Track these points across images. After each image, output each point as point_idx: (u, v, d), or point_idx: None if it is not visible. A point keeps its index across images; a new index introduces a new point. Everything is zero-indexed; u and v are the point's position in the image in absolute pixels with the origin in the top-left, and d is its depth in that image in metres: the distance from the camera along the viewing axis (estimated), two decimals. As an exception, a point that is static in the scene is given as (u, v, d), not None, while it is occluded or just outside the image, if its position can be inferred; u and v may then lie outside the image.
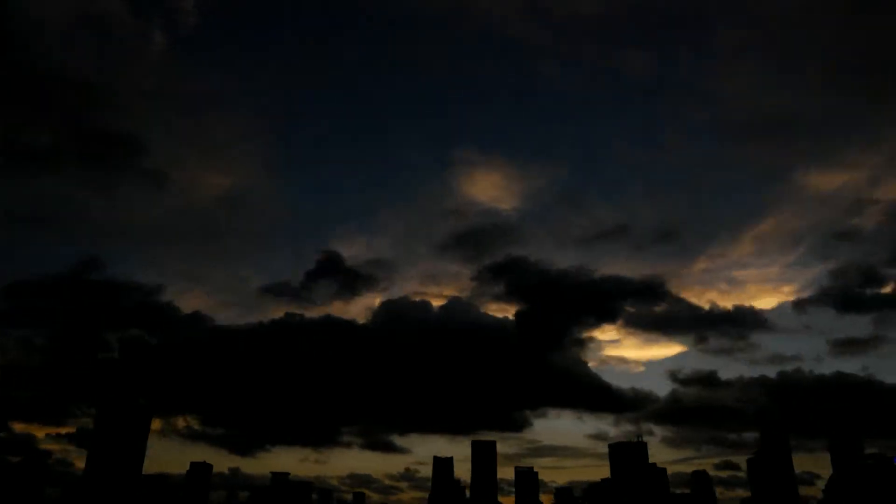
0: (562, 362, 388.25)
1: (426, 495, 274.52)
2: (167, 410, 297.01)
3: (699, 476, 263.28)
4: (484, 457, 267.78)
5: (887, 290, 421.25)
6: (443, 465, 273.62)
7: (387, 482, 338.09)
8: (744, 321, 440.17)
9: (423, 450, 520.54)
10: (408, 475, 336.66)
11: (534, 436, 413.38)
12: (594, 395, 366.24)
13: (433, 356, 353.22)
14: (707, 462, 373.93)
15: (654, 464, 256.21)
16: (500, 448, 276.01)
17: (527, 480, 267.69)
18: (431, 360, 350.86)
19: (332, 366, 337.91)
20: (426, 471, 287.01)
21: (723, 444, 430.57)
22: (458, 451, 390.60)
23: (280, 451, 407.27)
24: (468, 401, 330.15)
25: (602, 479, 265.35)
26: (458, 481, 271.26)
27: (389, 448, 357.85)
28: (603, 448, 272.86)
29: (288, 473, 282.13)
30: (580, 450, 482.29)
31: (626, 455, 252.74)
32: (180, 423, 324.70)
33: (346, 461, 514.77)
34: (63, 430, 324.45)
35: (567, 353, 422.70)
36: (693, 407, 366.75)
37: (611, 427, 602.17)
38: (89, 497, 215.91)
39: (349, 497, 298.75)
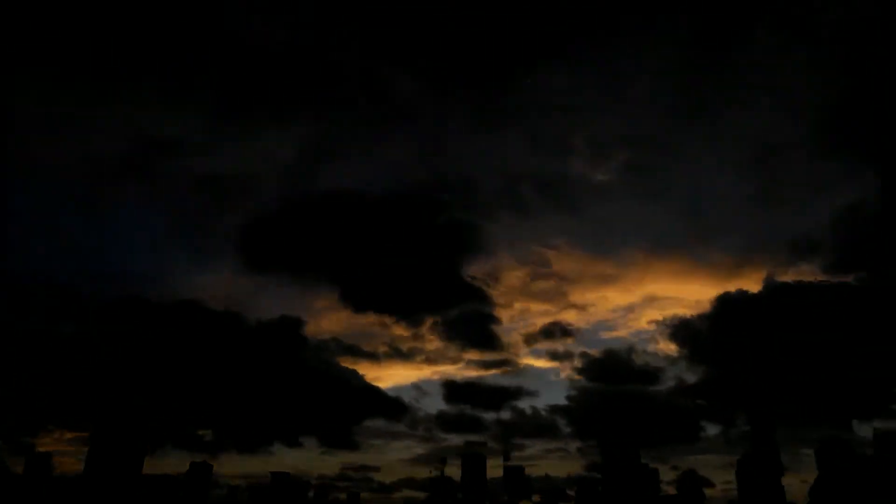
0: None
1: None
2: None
3: (688, 475, 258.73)
4: (474, 467, 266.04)
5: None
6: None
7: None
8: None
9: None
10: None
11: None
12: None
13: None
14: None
15: (647, 463, 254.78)
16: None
17: (516, 479, 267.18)
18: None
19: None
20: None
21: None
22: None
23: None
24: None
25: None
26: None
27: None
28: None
29: (288, 473, 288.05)
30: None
31: (619, 454, 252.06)
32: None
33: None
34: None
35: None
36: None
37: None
38: (89, 497, 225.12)
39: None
